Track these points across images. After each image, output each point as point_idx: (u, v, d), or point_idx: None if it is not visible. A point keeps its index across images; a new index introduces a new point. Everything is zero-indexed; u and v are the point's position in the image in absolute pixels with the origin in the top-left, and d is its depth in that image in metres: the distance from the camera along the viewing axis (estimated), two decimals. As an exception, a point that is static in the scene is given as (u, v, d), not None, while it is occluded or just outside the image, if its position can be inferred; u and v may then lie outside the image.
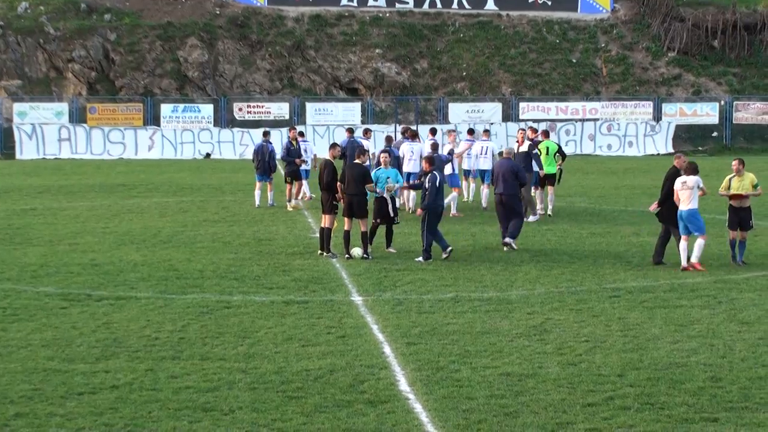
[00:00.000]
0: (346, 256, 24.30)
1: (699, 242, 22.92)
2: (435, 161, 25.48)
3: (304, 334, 16.97)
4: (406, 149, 32.50)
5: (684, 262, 22.86)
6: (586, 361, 15.28)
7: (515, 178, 25.84)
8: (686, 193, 22.83)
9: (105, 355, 15.64)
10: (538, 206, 31.74)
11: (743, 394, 13.70)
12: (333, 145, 26.35)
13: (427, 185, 24.22)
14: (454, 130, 37.33)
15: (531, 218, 30.39)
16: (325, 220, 24.72)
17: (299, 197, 34.98)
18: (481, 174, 34.25)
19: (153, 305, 19.19)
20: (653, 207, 24.22)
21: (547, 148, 32.02)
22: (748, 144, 66.57)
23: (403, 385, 14.09)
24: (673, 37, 72.59)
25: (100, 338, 16.65)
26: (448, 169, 30.83)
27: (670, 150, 63.79)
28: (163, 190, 40.86)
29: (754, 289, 20.84)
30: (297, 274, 22.45)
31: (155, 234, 28.41)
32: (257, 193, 34.91)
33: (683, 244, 22.92)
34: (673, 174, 23.49)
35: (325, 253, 24.64)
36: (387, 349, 16.02)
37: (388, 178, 25.03)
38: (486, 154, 34.02)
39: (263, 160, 34.47)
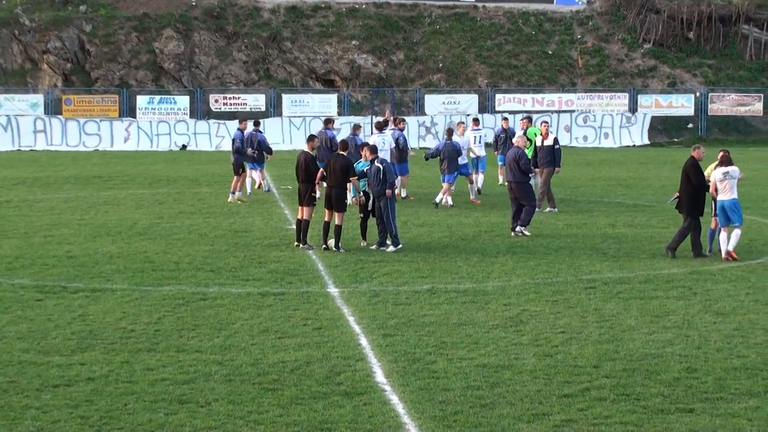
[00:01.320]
0: (323, 246, 24.28)
1: (737, 232, 23.21)
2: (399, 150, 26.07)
3: (281, 326, 16.96)
4: (377, 141, 32.41)
5: (724, 253, 23.08)
6: (562, 353, 15.32)
7: (518, 166, 26.30)
8: (729, 183, 23.02)
9: (80, 347, 15.60)
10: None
11: (718, 384, 13.76)
12: (311, 137, 26.27)
13: (382, 165, 24.37)
14: (508, 119, 38.77)
15: (548, 209, 30.99)
16: (302, 212, 24.68)
17: (241, 190, 34.39)
18: (475, 161, 35.44)
19: (129, 297, 19.14)
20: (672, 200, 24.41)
21: (535, 134, 32.73)
22: (723, 135, 66.74)
23: (380, 377, 14.10)
24: (649, 29, 72.71)
25: (75, 330, 16.59)
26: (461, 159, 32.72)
27: (646, 141, 63.98)
28: (139, 182, 40.73)
29: (729, 280, 20.93)
30: (273, 265, 22.42)
31: (131, 226, 28.32)
32: (260, 181, 35.83)
33: (723, 234, 23.16)
34: (692, 165, 23.51)
35: (301, 245, 24.62)
36: (363, 341, 16.03)
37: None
38: (479, 142, 35.62)
39: (252, 149, 34.81)
